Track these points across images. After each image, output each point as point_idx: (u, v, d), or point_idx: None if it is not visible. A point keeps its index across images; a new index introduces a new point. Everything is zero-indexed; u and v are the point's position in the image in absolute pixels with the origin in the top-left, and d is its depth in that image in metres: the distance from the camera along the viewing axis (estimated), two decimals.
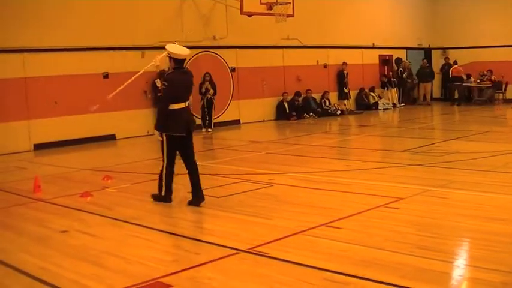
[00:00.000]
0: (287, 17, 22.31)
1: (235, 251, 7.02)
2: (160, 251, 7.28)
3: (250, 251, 6.99)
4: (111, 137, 20.43)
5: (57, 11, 19.29)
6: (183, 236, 7.85)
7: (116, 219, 9.15)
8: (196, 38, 22.85)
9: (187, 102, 10.03)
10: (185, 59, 10.34)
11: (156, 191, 10.36)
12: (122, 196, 11.01)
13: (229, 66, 24.23)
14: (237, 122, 24.52)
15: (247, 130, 23.10)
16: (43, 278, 6.52)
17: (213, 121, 22.49)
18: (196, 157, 10.34)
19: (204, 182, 11.57)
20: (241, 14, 21.58)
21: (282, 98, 25.64)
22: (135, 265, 6.80)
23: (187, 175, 10.27)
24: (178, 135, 9.89)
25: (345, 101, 28.08)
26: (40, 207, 10.51)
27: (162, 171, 10.15)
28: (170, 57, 10.01)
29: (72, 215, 9.70)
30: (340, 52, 28.15)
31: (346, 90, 28.02)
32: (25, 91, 18.69)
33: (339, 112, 26.95)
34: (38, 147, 18.91)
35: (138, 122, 21.27)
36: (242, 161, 14.75)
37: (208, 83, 21.98)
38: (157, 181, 10.33)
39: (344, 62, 28.01)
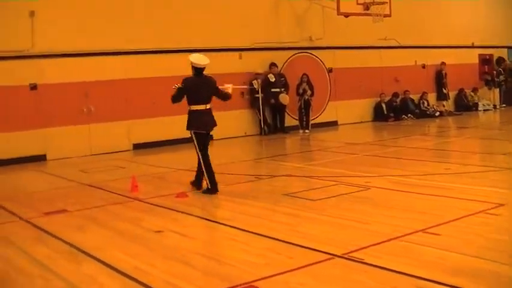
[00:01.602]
0: (384, 16, 22.10)
1: (329, 256, 6.92)
2: (252, 254, 7.23)
3: (345, 256, 6.88)
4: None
5: (153, 15, 19.64)
6: (277, 239, 7.78)
7: (210, 220, 9.25)
8: (292, 39, 22.88)
9: (207, 105, 11.44)
10: (204, 68, 11.48)
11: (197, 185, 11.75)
12: (217, 197, 11.07)
13: (326, 67, 24.12)
14: (334, 123, 24.42)
15: (345, 131, 22.96)
16: (136, 277, 6.58)
17: (310, 122, 22.42)
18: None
19: (300, 184, 11.69)
20: (338, 14, 21.48)
21: (379, 99, 25.44)
22: (227, 267, 6.79)
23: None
24: (200, 132, 11.39)
25: (444, 102, 27.65)
26: (136, 206, 10.69)
27: (200, 166, 11.51)
28: (191, 66, 11.43)
29: (167, 215, 9.82)
30: (439, 52, 27.69)
31: (445, 91, 27.59)
32: (125, 92, 19.08)
33: (437, 113, 26.54)
34: (137, 146, 19.29)
35: (234, 122, 21.42)
36: (339, 163, 14.64)
37: (305, 84, 21.96)
38: (198, 174, 11.67)
39: (442, 62, 27.58)
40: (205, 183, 11.54)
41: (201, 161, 11.40)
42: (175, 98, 11.34)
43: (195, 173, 11.84)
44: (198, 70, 11.45)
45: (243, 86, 13.28)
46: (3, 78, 17.31)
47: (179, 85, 11.28)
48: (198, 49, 19.68)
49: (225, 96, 12.00)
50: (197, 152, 11.43)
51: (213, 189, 11.32)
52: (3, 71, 17.33)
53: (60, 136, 18.16)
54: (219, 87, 11.88)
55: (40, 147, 17.97)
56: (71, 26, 18.32)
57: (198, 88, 11.37)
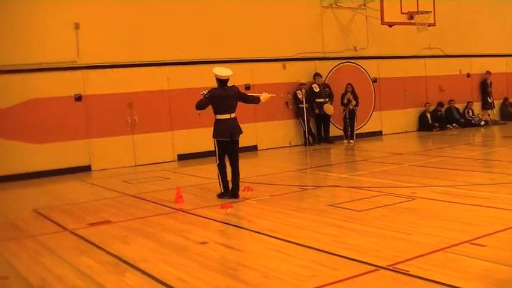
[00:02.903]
0: (428, 26, 21.91)
1: (374, 268, 6.85)
2: (297, 265, 7.17)
3: (390, 268, 6.80)
4: (253, 148, 20.67)
5: (198, 26, 19.75)
6: (322, 251, 7.72)
7: (255, 232, 9.16)
8: (336, 49, 22.85)
9: (231, 114, 12.01)
10: (228, 79, 12.06)
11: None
12: (262, 208, 11.00)
13: (371, 77, 24.02)
14: (379, 133, 24.29)
15: (389, 141, 22.81)
16: None
17: (355, 132, 22.31)
18: (239, 163, 12.24)
19: (345, 194, 11.60)
20: (381, 24, 21.36)
21: (424, 108, 25.23)
22: (272, 279, 6.73)
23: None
24: (223, 140, 11.93)
25: (489, 111, 27.34)
26: (181, 217, 10.69)
27: (218, 171, 12.14)
28: (216, 78, 12.04)
29: (212, 226, 9.85)
30: (484, 61, 27.42)
31: (490, 100, 27.30)
32: (169, 102, 19.18)
33: (482, 123, 26.24)
34: (182, 157, 19.36)
35: (279, 133, 21.47)
36: (383, 173, 14.52)
37: (350, 94, 21.86)
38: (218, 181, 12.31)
39: (487, 71, 27.30)
40: (241, 190, 12.20)
41: (219, 166, 12.11)
42: (200, 106, 11.95)
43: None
44: (222, 82, 12.06)
45: (275, 94, 13.50)
46: (49, 90, 17.53)
47: (206, 93, 11.86)
48: (242, 59, 19.95)
49: (252, 100, 12.77)
50: (216, 159, 12.11)
51: (226, 194, 12.07)
52: (49, 82, 17.55)
53: (104, 147, 18.33)
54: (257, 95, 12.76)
55: (85, 158, 18.13)
56: (115, 38, 18.51)
57: (222, 99, 11.92)
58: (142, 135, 18.94)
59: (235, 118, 12.09)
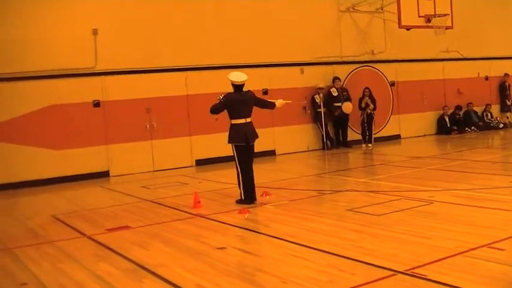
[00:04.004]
0: (446, 29, 21.81)
1: (392, 273, 6.82)
2: (315, 271, 7.16)
3: (408, 272, 6.77)
4: (271, 153, 20.69)
5: (216, 31, 19.85)
6: (340, 255, 7.70)
7: (273, 237, 9.14)
8: (354, 53, 22.86)
9: (247, 119, 12.05)
10: (243, 84, 12.11)
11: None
12: (280, 213, 10.99)
13: (389, 80, 23.97)
14: (397, 137, 24.24)
15: (408, 145, 22.75)
16: None
17: (373, 136, 22.26)
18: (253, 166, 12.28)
19: (363, 199, 11.61)
20: (399, 27, 21.28)
21: (442, 111, 25.17)
22: (290, 284, 6.72)
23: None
24: (239, 144, 11.93)
25: (508, 114, 27.23)
26: (199, 222, 10.69)
27: (238, 178, 12.12)
28: (231, 83, 12.09)
29: (230, 232, 9.86)
30: (502, 63, 27.30)
31: (508, 103, 27.20)
32: (187, 108, 19.24)
33: (501, 125, 26.16)
34: (199, 162, 19.41)
35: (297, 137, 21.48)
36: (402, 177, 14.49)
37: (367, 97, 21.80)
38: (238, 186, 12.24)
39: (506, 74, 27.21)
40: (259, 195, 12.19)
41: (239, 172, 12.07)
42: (215, 110, 12.11)
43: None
44: (237, 87, 12.10)
45: (291, 101, 13.65)
46: (67, 96, 17.65)
47: (222, 98, 11.99)
48: (260, 64, 19.97)
49: (268, 105, 12.80)
50: (236, 164, 12.11)
51: (246, 200, 11.98)
52: (67, 88, 17.67)
53: (122, 152, 18.42)
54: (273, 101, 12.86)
55: (103, 164, 18.23)
56: (133, 43, 18.61)
57: (237, 104, 12.01)
58: (161, 141, 19.01)
59: (250, 123, 12.13)
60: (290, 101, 13.55)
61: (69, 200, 14.49)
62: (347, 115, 22.04)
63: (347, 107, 21.73)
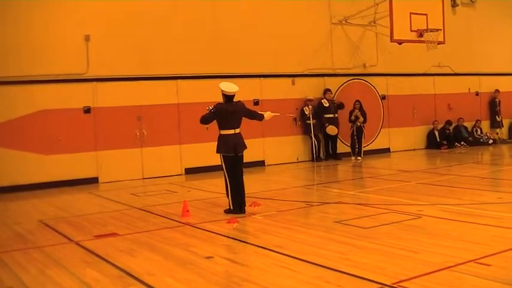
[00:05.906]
0: (438, 44, 21.90)
1: (379, 286, 6.83)
2: (302, 282, 7.16)
3: (395, 286, 6.78)
4: (261, 163, 20.70)
5: (208, 40, 19.91)
6: (327, 267, 7.70)
7: (261, 247, 9.14)
8: (345, 66, 22.92)
9: (236, 129, 12.04)
10: (234, 95, 12.07)
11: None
12: (268, 223, 10.98)
13: (380, 94, 24.04)
14: (386, 151, 24.28)
15: (397, 159, 22.78)
16: None
17: (363, 149, 22.29)
18: (243, 177, 12.24)
19: (352, 211, 11.62)
20: (391, 41, 21.35)
21: (432, 126, 25.27)
22: None
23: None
24: (227, 155, 11.94)
25: (497, 130, 27.37)
26: (187, 231, 10.68)
27: (227, 187, 12.08)
28: (222, 93, 12.06)
29: (218, 241, 9.82)
30: (493, 79, 27.49)
31: (498, 119, 27.33)
32: (178, 116, 19.25)
33: (491, 141, 26.27)
34: (189, 171, 19.40)
35: (287, 148, 21.51)
36: (391, 190, 14.51)
37: (358, 110, 21.84)
38: (226, 196, 12.21)
39: (496, 90, 27.36)
40: (248, 205, 12.19)
41: (227, 182, 12.05)
42: (206, 120, 12.11)
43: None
44: (228, 97, 12.09)
45: (279, 114, 13.74)
46: (58, 101, 17.64)
47: (212, 108, 11.93)
48: (251, 75, 20.01)
49: (256, 116, 12.80)
50: (224, 174, 12.11)
51: (234, 210, 11.99)
52: (58, 94, 17.67)
53: (112, 159, 18.41)
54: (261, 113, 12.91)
55: (92, 170, 18.22)
56: (125, 50, 18.63)
57: (227, 114, 11.99)
58: (151, 148, 19.00)
59: (239, 133, 12.12)
60: (278, 114, 13.60)
61: (57, 206, 14.43)
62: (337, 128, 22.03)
63: (331, 130, 21.71)
